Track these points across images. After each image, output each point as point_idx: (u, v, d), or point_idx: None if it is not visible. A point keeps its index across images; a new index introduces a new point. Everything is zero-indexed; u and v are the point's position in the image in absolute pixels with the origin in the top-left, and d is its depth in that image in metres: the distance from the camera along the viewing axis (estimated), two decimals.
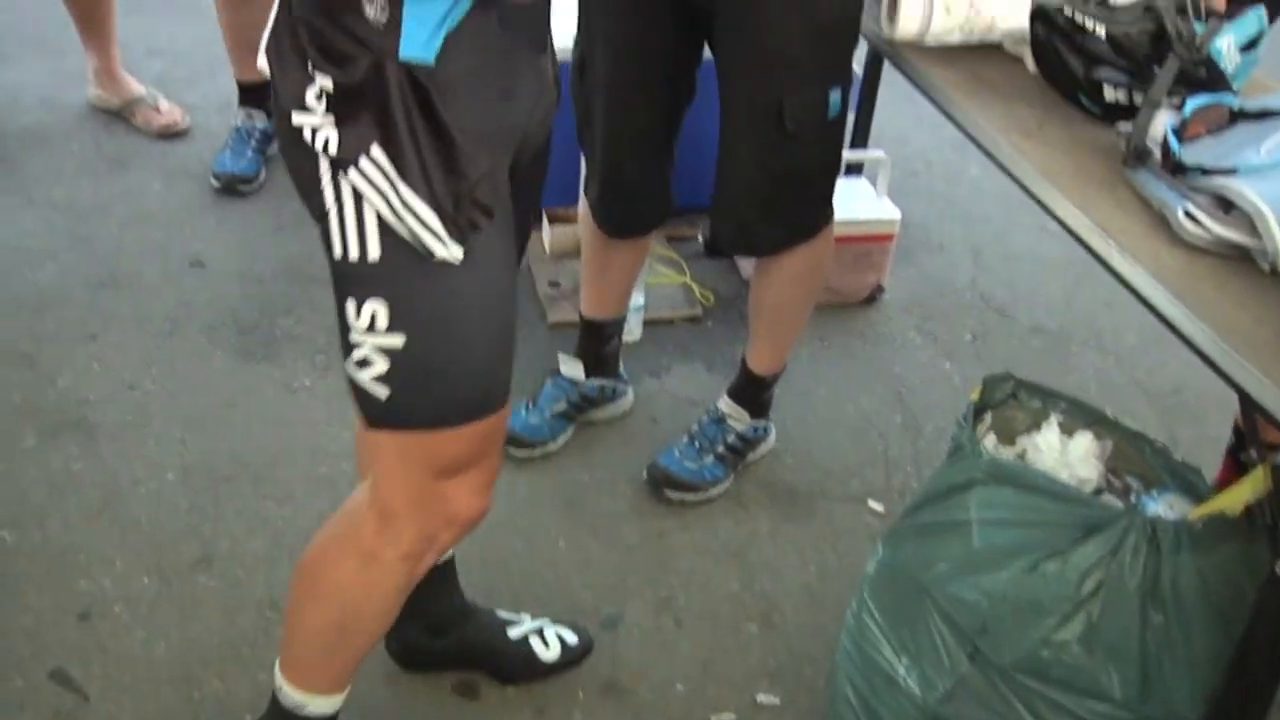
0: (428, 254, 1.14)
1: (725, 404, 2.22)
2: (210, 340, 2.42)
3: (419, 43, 1.11)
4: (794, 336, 2.17)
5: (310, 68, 1.12)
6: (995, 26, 1.73)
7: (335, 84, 1.11)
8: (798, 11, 1.71)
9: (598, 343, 2.27)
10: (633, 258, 2.21)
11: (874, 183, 2.73)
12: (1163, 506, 1.44)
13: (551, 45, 1.30)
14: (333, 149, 1.12)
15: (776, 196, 1.88)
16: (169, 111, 3.09)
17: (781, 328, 2.13)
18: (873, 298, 2.73)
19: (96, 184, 2.88)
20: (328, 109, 1.12)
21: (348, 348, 1.21)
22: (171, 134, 3.06)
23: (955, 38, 1.71)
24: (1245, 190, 1.26)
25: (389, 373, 1.19)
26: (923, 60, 1.73)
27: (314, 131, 1.13)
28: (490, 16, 1.15)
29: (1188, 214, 1.31)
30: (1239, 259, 1.29)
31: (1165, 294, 1.26)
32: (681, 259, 2.76)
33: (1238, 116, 1.41)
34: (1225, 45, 1.47)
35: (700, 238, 2.81)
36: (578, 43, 1.93)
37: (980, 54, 1.74)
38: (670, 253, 2.76)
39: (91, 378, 2.30)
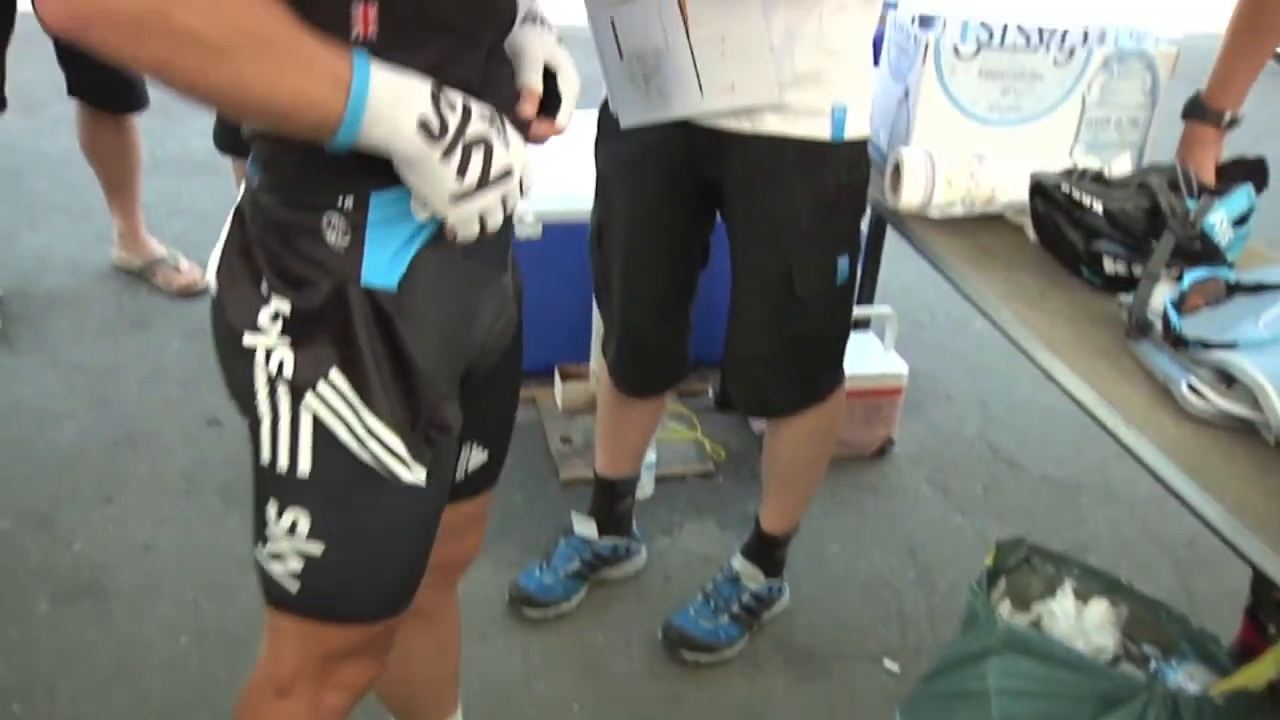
0: (392, 478, 1.12)
1: (739, 563, 2.22)
2: (225, 500, 2.44)
3: (381, 269, 1.09)
4: (807, 495, 2.18)
5: (265, 289, 1.09)
6: (996, 198, 1.79)
7: (293, 308, 1.08)
8: (805, 184, 1.77)
9: (611, 501, 2.29)
10: (648, 416, 2.23)
11: (881, 337, 2.77)
12: (1182, 677, 1.43)
13: (514, 262, 1.30)
14: (288, 372, 1.09)
15: (788, 361, 1.92)
16: (189, 271, 3.17)
17: (794, 487, 2.15)
18: (883, 450, 2.75)
19: (117, 343, 2.94)
20: (283, 331, 1.09)
21: (262, 539, 1.18)
22: (191, 293, 3.13)
23: (958, 210, 1.77)
24: (1246, 365, 1.29)
25: (302, 571, 1.17)
26: (926, 230, 1.79)
27: (268, 353, 1.09)
28: (453, 243, 1.14)
29: (1191, 387, 1.33)
30: (1244, 431, 1.32)
31: (1173, 467, 1.28)
32: (693, 414, 2.79)
33: (1234, 289, 1.45)
34: (1218, 221, 1.52)
35: (711, 392, 2.85)
36: (595, 210, 2.00)
37: (983, 223, 1.80)
38: (681, 408, 2.79)
39: (107, 540, 2.31)
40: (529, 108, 1.17)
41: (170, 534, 2.34)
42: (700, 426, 2.76)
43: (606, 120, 1.92)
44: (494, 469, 1.47)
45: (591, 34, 1.75)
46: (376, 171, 1.05)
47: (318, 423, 1.10)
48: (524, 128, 1.16)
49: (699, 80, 1.68)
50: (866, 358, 2.70)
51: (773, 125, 1.73)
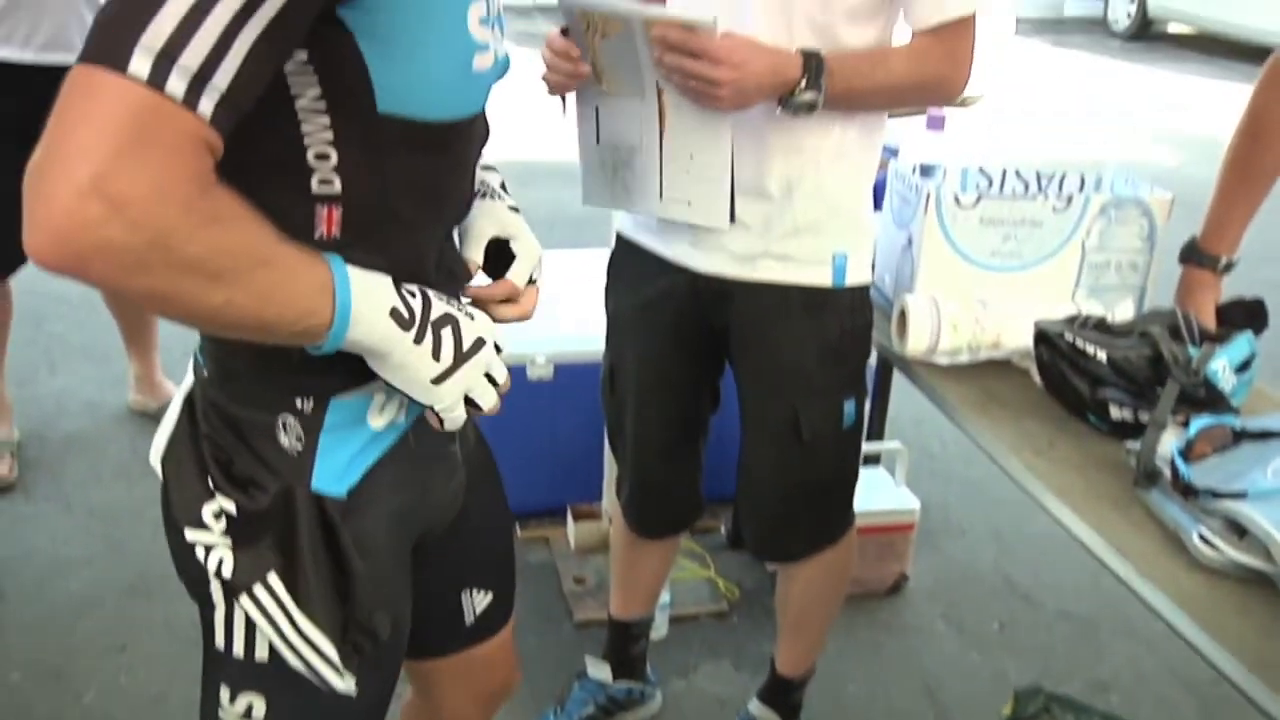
0: (323, 685, 1.10)
1: (756, 708, 2.19)
2: None
3: (333, 475, 1.09)
4: (822, 637, 2.17)
5: (211, 485, 1.07)
6: (1002, 343, 1.82)
7: (238, 508, 1.06)
8: (809, 330, 1.80)
9: (626, 643, 2.27)
10: (662, 558, 2.23)
11: (892, 472, 2.78)
12: None
13: (468, 428, 1.30)
14: (226, 572, 1.07)
15: (797, 505, 1.93)
16: None
17: (809, 630, 2.14)
18: (897, 587, 2.73)
19: (131, 487, 2.96)
20: (226, 530, 1.07)
21: (212, 713, 1.16)
22: None
23: (964, 357, 1.80)
24: (1257, 516, 1.30)
25: None
26: (934, 375, 1.81)
27: (207, 550, 1.07)
28: (407, 439, 1.15)
29: (1202, 538, 1.34)
30: (1259, 583, 1.32)
31: (1188, 620, 1.27)
32: (705, 552, 2.78)
33: (1241, 436, 1.46)
34: (1220, 367, 1.54)
35: (723, 529, 2.85)
36: (607, 354, 2.03)
37: (989, 368, 1.82)
38: (694, 545, 2.78)
39: (118, 692, 2.29)
40: (470, 283, 1.20)
41: (182, 685, 2.32)
42: (714, 565, 2.75)
43: (615, 266, 1.96)
44: (504, 607, 1.47)
45: (575, 113, 1.77)
46: (336, 374, 1.06)
47: (250, 622, 1.10)
48: (483, 305, 1.18)
49: (661, 186, 1.72)
50: (878, 494, 2.70)
51: (775, 273, 1.77)
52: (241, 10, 0.83)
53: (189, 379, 1.15)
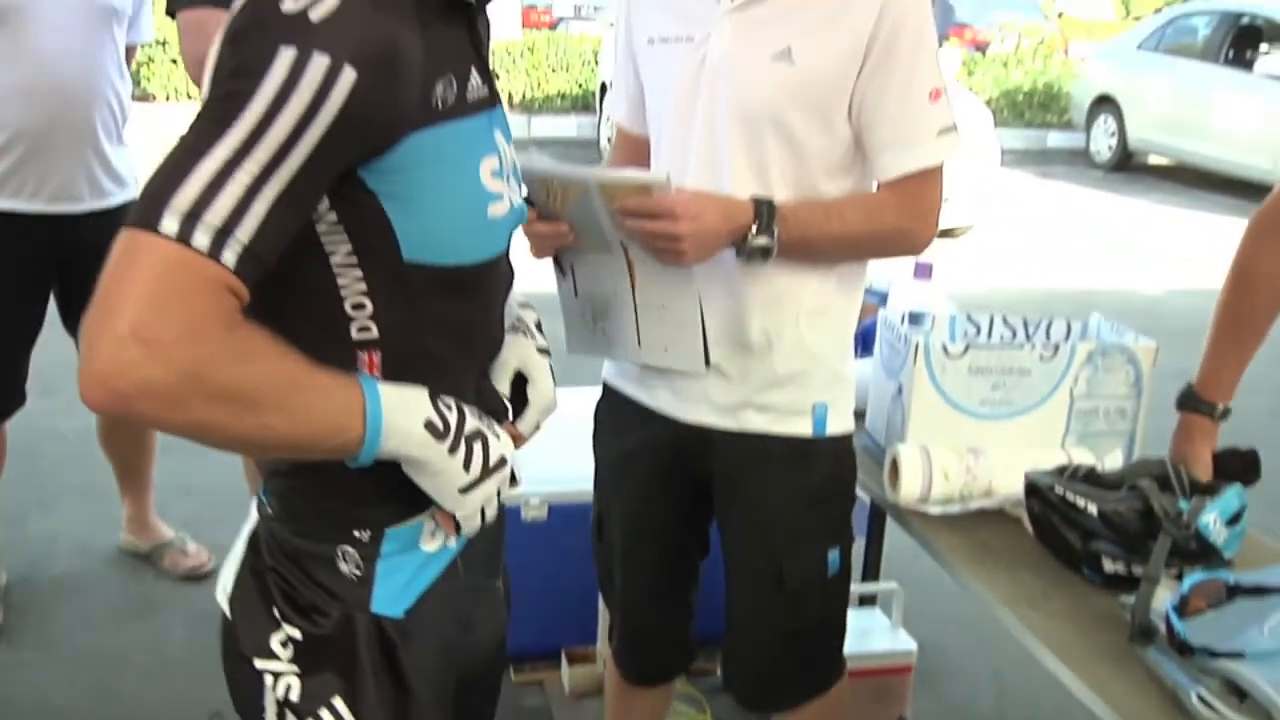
0: None
1: None
2: None
3: (390, 598, 1.15)
4: None
5: (277, 615, 1.14)
6: (994, 491, 1.83)
7: (303, 634, 1.13)
8: (791, 480, 1.80)
9: None
10: (656, 703, 2.20)
11: (888, 613, 2.76)
12: None
13: (504, 566, 1.37)
14: (294, 696, 1.12)
15: (783, 655, 1.91)
16: (195, 554, 3.19)
17: None
18: None
19: (119, 632, 2.92)
20: (293, 658, 1.13)
21: None
22: (197, 576, 3.14)
23: (955, 507, 1.81)
24: (1257, 679, 1.29)
25: None
26: (927, 525, 1.81)
27: (275, 678, 1.13)
28: (455, 565, 1.22)
29: (1201, 699, 1.33)
30: None
31: None
32: (701, 695, 2.74)
33: (1235, 591, 1.46)
34: (1211, 520, 1.55)
35: (719, 671, 2.80)
36: (595, 502, 2.03)
37: (981, 517, 1.82)
38: (690, 689, 2.74)
39: None
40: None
41: None
42: (710, 709, 2.71)
43: (600, 414, 1.98)
44: None
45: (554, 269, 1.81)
46: (390, 506, 1.14)
47: None
48: None
49: (638, 334, 1.75)
50: (874, 636, 2.68)
51: (756, 423, 1.78)
52: (260, 174, 0.94)
53: (252, 518, 1.21)
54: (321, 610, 1.13)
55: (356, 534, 1.14)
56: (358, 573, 1.14)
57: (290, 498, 1.16)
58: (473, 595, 1.27)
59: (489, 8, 1.18)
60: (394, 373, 1.10)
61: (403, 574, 1.16)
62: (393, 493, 1.11)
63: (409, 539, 1.17)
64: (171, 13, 2.40)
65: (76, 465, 3.72)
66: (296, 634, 1.13)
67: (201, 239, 0.91)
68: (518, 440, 1.25)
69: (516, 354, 1.30)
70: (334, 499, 1.13)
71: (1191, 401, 1.87)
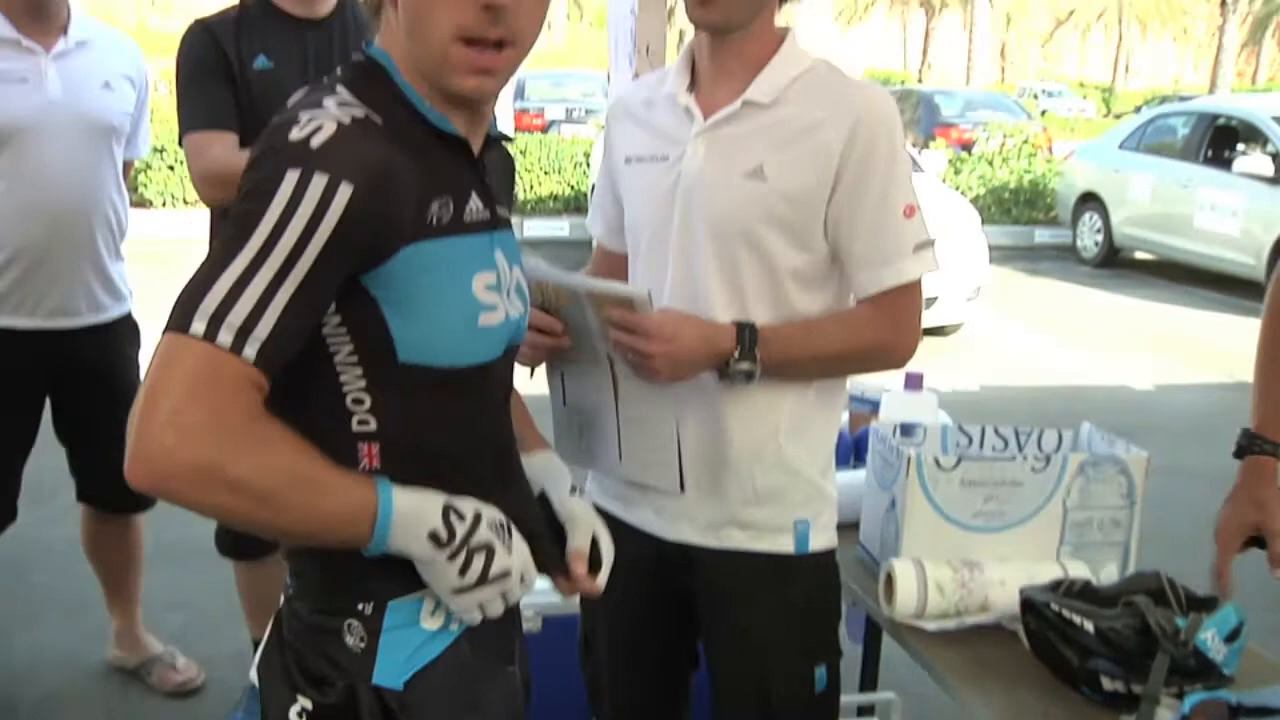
0: None
1: None
2: None
3: (392, 670, 1.23)
4: None
5: (294, 687, 1.23)
6: (990, 606, 1.82)
7: (314, 705, 1.22)
8: (775, 598, 1.78)
9: None
10: None
11: None
12: None
13: (523, 654, 1.42)
14: None
15: None
16: (184, 669, 3.13)
17: None
18: None
19: None
20: None
21: None
22: (184, 692, 3.08)
23: (951, 624, 1.79)
24: None
25: None
26: (923, 642, 1.80)
27: None
28: (460, 644, 1.27)
29: None
30: None
31: None
32: None
33: (1238, 712, 1.45)
34: (1209, 637, 1.54)
35: None
36: (582, 618, 2.01)
37: (978, 633, 1.81)
38: None
39: None
40: (580, 567, 1.38)
41: None
42: None
43: None
44: None
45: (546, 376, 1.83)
46: (396, 580, 1.22)
47: None
48: (563, 575, 1.38)
49: (620, 448, 1.76)
50: None
51: (738, 541, 1.78)
52: (274, 279, 1.08)
53: (284, 595, 1.31)
54: (329, 681, 1.22)
55: (361, 606, 1.23)
56: (362, 645, 1.22)
57: (305, 573, 1.26)
58: (481, 675, 1.31)
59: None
60: (393, 463, 1.20)
61: (405, 648, 1.23)
62: (396, 566, 1.19)
63: (411, 614, 1.24)
64: (180, 137, 2.48)
65: (64, 578, 3.67)
66: (309, 704, 1.22)
67: (225, 337, 1.06)
68: (593, 591, 1.40)
69: (588, 515, 1.42)
70: (339, 572, 1.22)
71: (1256, 444, 1.82)
